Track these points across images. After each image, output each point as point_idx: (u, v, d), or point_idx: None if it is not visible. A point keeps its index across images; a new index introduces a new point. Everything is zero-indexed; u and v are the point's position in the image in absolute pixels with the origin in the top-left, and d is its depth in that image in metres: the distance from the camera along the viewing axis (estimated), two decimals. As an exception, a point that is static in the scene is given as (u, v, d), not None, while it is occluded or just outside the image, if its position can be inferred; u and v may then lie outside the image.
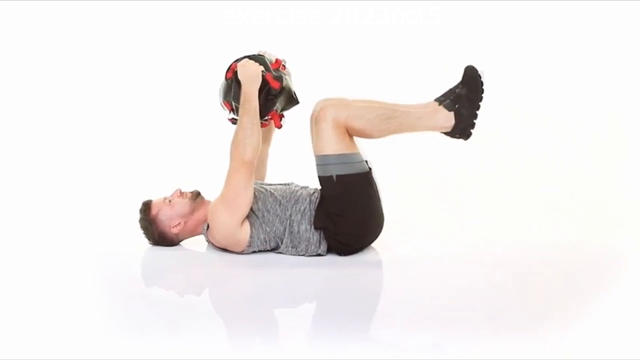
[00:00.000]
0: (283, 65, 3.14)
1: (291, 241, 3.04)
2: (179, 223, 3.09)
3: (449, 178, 4.47)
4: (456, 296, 2.66)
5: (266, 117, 3.09)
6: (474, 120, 3.03)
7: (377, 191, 3.06)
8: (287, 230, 3.03)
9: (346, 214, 2.99)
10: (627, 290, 2.75)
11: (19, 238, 3.37)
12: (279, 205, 3.04)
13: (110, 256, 3.12)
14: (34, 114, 5.12)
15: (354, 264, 2.98)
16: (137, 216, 3.11)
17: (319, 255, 3.05)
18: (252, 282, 2.86)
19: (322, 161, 3.00)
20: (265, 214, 3.03)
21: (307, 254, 3.05)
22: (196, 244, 3.18)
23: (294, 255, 3.05)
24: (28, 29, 5.29)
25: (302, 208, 3.04)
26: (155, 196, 3.15)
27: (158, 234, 3.11)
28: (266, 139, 3.34)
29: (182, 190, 3.13)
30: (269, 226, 3.03)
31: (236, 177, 2.93)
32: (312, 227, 3.02)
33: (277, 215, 3.03)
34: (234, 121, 3.09)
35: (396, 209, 3.26)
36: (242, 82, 2.99)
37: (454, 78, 3.16)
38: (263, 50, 3.19)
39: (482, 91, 3.03)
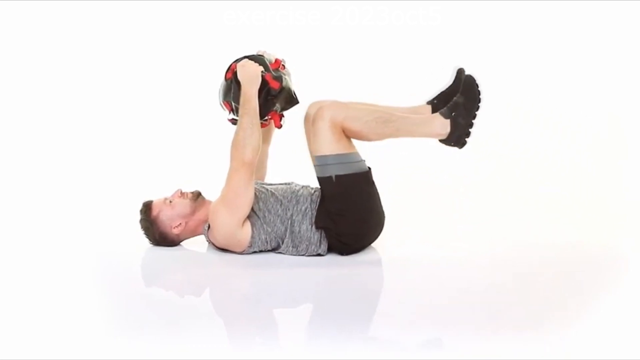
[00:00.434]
0: (282, 65, 3.14)
1: (292, 241, 3.04)
2: (180, 223, 3.09)
3: (448, 178, 4.47)
4: (456, 296, 2.66)
5: (266, 117, 3.09)
6: (470, 130, 3.04)
7: (377, 190, 3.06)
8: (288, 230, 3.03)
9: (347, 214, 2.99)
10: (627, 290, 2.76)
11: (20, 238, 3.37)
12: (280, 205, 3.04)
13: (111, 256, 3.12)
14: (34, 115, 5.12)
15: (354, 264, 2.98)
16: (138, 216, 3.11)
17: (319, 255, 3.05)
18: (252, 282, 2.86)
19: (321, 162, 3.00)
20: (266, 214, 3.03)
21: (307, 254, 3.05)
22: (196, 244, 3.18)
23: (294, 255, 3.05)
24: (28, 29, 5.29)
25: (303, 208, 3.04)
26: (155, 197, 3.15)
27: (159, 235, 3.11)
28: (266, 139, 3.34)
29: (183, 191, 3.13)
30: (270, 226, 3.03)
31: (236, 177, 2.93)
32: (313, 226, 3.02)
33: (278, 216, 3.04)
34: (233, 121, 3.09)
35: (396, 209, 3.26)
36: (241, 83, 2.99)
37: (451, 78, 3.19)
38: (262, 50, 3.19)
39: (480, 100, 3.05)
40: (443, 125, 3.05)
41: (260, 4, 5.39)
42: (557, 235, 3.39)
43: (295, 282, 2.82)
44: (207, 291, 2.82)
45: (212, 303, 2.70)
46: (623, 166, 4.69)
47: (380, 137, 3.05)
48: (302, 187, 3.15)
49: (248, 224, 3.01)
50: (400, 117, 3.05)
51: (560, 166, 4.64)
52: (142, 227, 3.12)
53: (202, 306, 2.63)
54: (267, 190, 3.09)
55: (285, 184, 3.19)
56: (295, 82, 3.18)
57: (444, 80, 3.25)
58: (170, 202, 3.10)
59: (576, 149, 4.88)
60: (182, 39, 5.42)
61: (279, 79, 3.05)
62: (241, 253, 3.05)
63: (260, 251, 3.07)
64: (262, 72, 3.01)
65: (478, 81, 3.06)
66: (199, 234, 3.14)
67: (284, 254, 3.06)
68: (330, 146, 2.97)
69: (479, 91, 3.05)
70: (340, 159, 2.98)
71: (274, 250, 3.08)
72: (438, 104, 3.21)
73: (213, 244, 3.09)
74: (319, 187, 3.07)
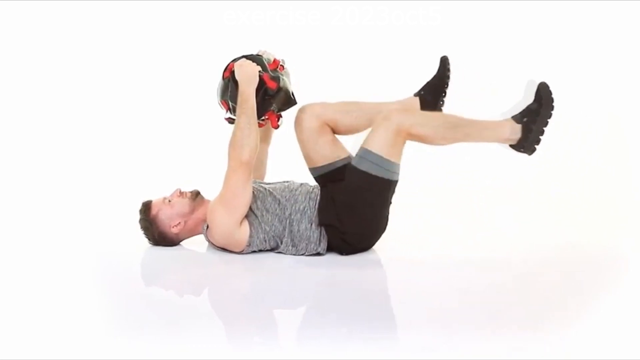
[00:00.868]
0: (281, 65, 3.14)
1: (291, 240, 3.04)
2: (179, 223, 3.09)
3: (448, 179, 4.47)
4: (456, 296, 2.66)
5: (263, 117, 3.09)
6: (541, 137, 3.03)
7: (391, 199, 3.08)
8: (286, 229, 3.03)
9: (356, 212, 2.98)
10: (627, 290, 2.75)
11: (20, 238, 3.37)
12: (278, 204, 3.04)
13: (110, 256, 3.12)
14: (34, 115, 5.12)
15: (354, 264, 2.98)
16: (137, 216, 3.11)
17: (319, 254, 3.05)
18: (252, 282, 2.86)
19: (364, 154, 2.99)
20: (264, 214, 3.03)
21: (306, 253, 3.05)
22: (196, 244, 3.18)
23: (293, 254, 3.05)
24: (28, 29, 5.28)
25: (301, 207, 3.04)
26: (154, 196, 3.15)
27: (158, 234, 3.11)
28: (265, 138, 3.34)
29: (182, 190, 3.13)
30: (268, 226, 3.03)
31: (234, 177, 2.93)
32: (312, 225, 3.02)
33: (276, 215, 3.03)
34: (230, 121, 3.09)
35: (396, 209, 3.25)
36: (239, 82, 2.99)
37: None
38: (262, 49, 3.19)
39: (553, 108, 3.04)
40: (514, 130, 3.04)
41: (260, 4, 5.38)
42: (557, 235, 3.39)
43: (295, 282, 2.82)
44: (207, 291, 2.81)
45: (211, 303, 2.70)
46: (623, 166, 4.69)
47: (449, 142, 3.05)
48: (301, 185, 3.15)
49: (246, 224, 3.00)
50: (470, 122, 3.04)
51: (559, 166, 4.64)
52: (141, 227, 3.12)
53: (202, 306, 2.63)
54: (265, 189, 3.09)
55: (283, 182, 3.19)
56: (294, 82, 3.19)
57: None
58: (170, 201, 3.10)
59: (576, 149, 4.88)
60: (182, 39, 5.42)
61: (276, 79, 3.05)
62: (240, 253, 3.05)
63: (260, 251, 3.07)
64: (259, 72, 3.01)
65: (552, 88, 3.05)
66: (198, 234, 3.14)
67: (283, 253, 3.06)
68: (382, 147, 2.96)
69: (552, 98, 3.04)
70: (382, 162, 2.97)
71: (273, 249, 3.08)
72: (425, 95, 3.22)
73: (212, 244, 3.09)
74: (316, 184, 3.10)
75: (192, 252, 3.13)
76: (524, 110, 3.05)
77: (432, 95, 3.21)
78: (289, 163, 3.67)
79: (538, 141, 3.03)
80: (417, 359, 2.16)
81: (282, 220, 3.03)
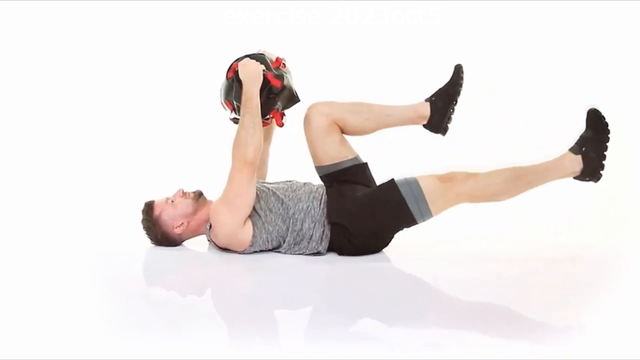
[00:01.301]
0: (283, 63, 3.14)
1: (293, 239, 3.04)
2: (182, 223, 3.09)
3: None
4: (456, 296, 2.66)
5: (267, 116, 3.10)
6: (603, 162, 3.01)
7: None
8: (289, 229, 3.03)
9: (371, 220, 2.99)
10: (627, 290, 2.76)
11: (21, 238, 3.37)
12: (282, 204, 3.04)
13: (111, 256, 3.12)
14: (35, 115, 5.12)
15: (354, 264, 2.98)
16: (139, 216, 3.11)
17: (319, 253, 3.06)
18: (252, 282, 2.86)
19: (413, 184, 2.98)
20: (267, 214, 3.03)
21: (307, 252, 3.05)
22: (197, 244, 3.18)
23: (295, 254, 3.05)
24: (28, 29, 5.28)
25: (305, 206, 3.04)
26: (157, 196, 3.15)
27: (161, 234, 3.11)
28: (267, 137, 3.34)
29: (185, 190, 3.13)
30: (271, 226, 3.03)
31: (238, 177, 2.93)
32: (315, 225, 3.02)
33: (279, 215, 3.04)
34: (235, 121, 3.10)
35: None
36: (243, 82, 2.99)
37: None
38: (263, 49, 3.20)
39: (609, 132, 3.02)
40: (574, 162, 3.02)
41: (260, 4, 5.39)
42: (558, 236, 3.39)
43: (295, 282, 2.82)
44: (208, 291, 2.81)
45: (212, 303, 2.70)
46: (623, 166, 4.69)
47: (514, 194, 3.04)
48: (304, 184, 3.15)
49: (249, 224, 3.01)
50: (529, 170, 3.03)
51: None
52: (144, 227, 3.12)
53: (203, 306, 2.63)
54: (268, 189, 3.09)
55: (286, 182, 3.19)
56: (295, 81, 3.19)
57: (444, 79, 3.25)
58: (172, 201, 3.10)
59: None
60: (182, 39, 5.42)
61: (280, 77, 3.05)
62: (242, 252, 3.05)
63: (261, 251, 3.07)
64: (263, 70, 3.01)
65: (603, 113, 3.03)
66: (200, 234, 3.14)
67: (284, 253, 3.06)
68: (431, 193, 2.97)
69: (606, 123, 3.02)
70: (422, 203, 2.98)
71: (275, 249, 3.08)
72: (436, 101, 3.22)
73: (214, 244, 3.09)
74: (321, 183, 3.12)
75: (193, 252, 3.13)
76: (579, 139, 3.04)
77: (443, 102, 3.20)
78: (291, 162, 3.67)
79: (602, 167, 3.01)
80: (417, 358, 2.16)
81: (286, 220, 3.04)
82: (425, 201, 2.97)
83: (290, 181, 3.20)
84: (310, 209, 3.03)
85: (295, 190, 3.09)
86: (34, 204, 3.92)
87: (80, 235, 3.42)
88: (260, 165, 3.31)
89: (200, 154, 4.76)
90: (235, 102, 3.05)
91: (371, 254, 3.10)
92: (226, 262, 3.00)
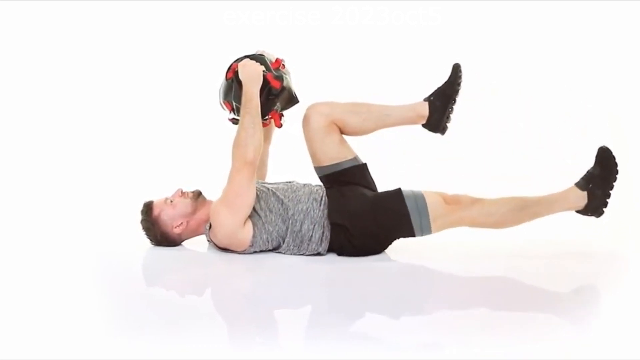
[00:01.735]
0: (283, 64, 3.14)
1: (293, 240, 3.04)
2: (182, 223, 3.09)
3: (448, 178, 4.46)
4: (456, 296, 2.66)
5: (266, 117, 3.10)
6: (607, 200, 3.06)
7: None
8: (289, 229, 3.03)
9: (372, 224, 3.00)
10: (627, 290, 2.76)
11: (20, 238, 3.37)
12: (281, 204, 3.04)
13: (111, 256, 3.12)
14: (34, 115, 5.12)
15: (354, 264, 2.98)
16: (138, 217, 3.11)
17: (319, 254, 3.06)
18: (252, 282, 2.86)
19: (419, 199, 3.02)
20: (267, 214, 3.03)
21: (307, 253, 3.05)
22: (197, 244, 3.18)
23: (295, 254, 3.05)
24: (28, 29, 5.28)
25: (304, 207, 3.04)
26: (156, 196, 3.15)
27: (160, 235, 3.11)
28: (267, 138, 3.34)
29: (184, 190, 3.13)
30: (271, 226, 3.03)
31: (238, 177, 2.93)
32: (315, 225, 3.02)
33: (279, 215, 3.04)
34: (234, 121, 3.10)
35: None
36: (243, 82, 2.99)
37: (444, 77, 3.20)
38: (262, 49, 3.20)
39: (617, 172, 3.07)
40: (579, 197, 3.08)
41: (260, 4, 5.39)
42: (558, 235, 3.39)
43: (295, 282, 2.82)
44: (208, 291, 2.81)
45: (212, 303, 2.70)
46: (623, 166, 4.68)
47: (516, 224, 3.10)
48: (304, 185, 3.15)
49: (249, 224, 3.01)
50: (535, 201, 3.08)
51: (560, 166, 4.64)
52: (143, 228, 3.12)
53: (203, 306, 2.63)
54: (268, 189, 3.09)
55: (286, 182, 3.19)
56: (295, 81, 3.19)
57: (444, 79, 3.25)
58: (171, 201, 3.10)
59: (576, 149, 4.87)
60: (182, 39, 5.42)
61: (279, 78, 3.05)
62: (242, 253, 3.05)
63: (261, 251, 3.07)
64: (263, 71, 3.01)
65: (613, 152, 3.08)
66: (200, 234, 3.14)
67: (284, 253, 3.07)
68: (435, 210, 3.01)
69: (615, 162, 3.07)
70: (424, 219, 3.01)
71: (274, 249, 3.08)
72: (435, 100, 3.22)
73: (214, 244, 3.09)
74: (321, 184, 3.12)
75: (193, 252, 3.13)
76: (586, 176, 3.09)
77: (442, 101, 3.20)
78: (291, 163, 3.67)
79: (606, 204, 3.07)
80: (417, 358, 2.16)
81: (285, 220, 3.04)
82: (428, 218, 3.01)
83: (290, 182, 3.20)
84: (310, 210, 3.03)
85: (295, 191, 3.09)
86: (34, 204, 3.92)
87: (80, 235, 3.42)
88: (260, 166, 3.31)
89: (200, 154, 4.76)
90: (234, 103, 3.05)
91: (372, 255, 3.09)
92: (226, 262, 3.00)
